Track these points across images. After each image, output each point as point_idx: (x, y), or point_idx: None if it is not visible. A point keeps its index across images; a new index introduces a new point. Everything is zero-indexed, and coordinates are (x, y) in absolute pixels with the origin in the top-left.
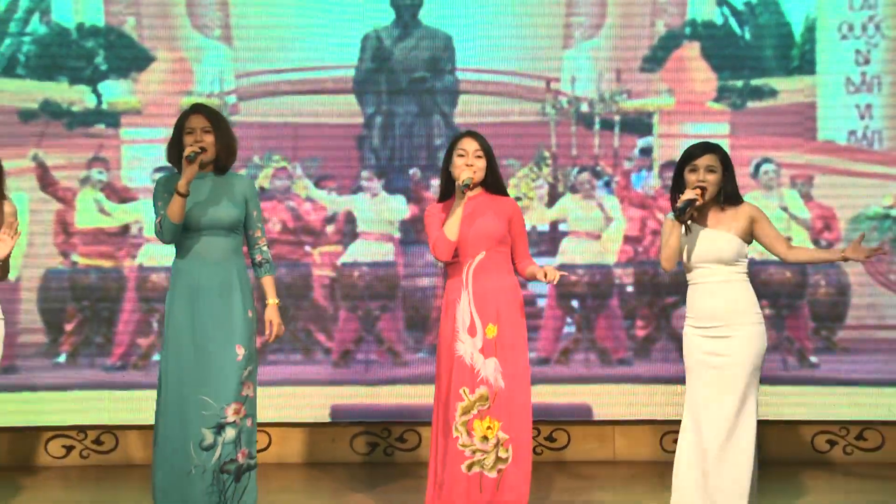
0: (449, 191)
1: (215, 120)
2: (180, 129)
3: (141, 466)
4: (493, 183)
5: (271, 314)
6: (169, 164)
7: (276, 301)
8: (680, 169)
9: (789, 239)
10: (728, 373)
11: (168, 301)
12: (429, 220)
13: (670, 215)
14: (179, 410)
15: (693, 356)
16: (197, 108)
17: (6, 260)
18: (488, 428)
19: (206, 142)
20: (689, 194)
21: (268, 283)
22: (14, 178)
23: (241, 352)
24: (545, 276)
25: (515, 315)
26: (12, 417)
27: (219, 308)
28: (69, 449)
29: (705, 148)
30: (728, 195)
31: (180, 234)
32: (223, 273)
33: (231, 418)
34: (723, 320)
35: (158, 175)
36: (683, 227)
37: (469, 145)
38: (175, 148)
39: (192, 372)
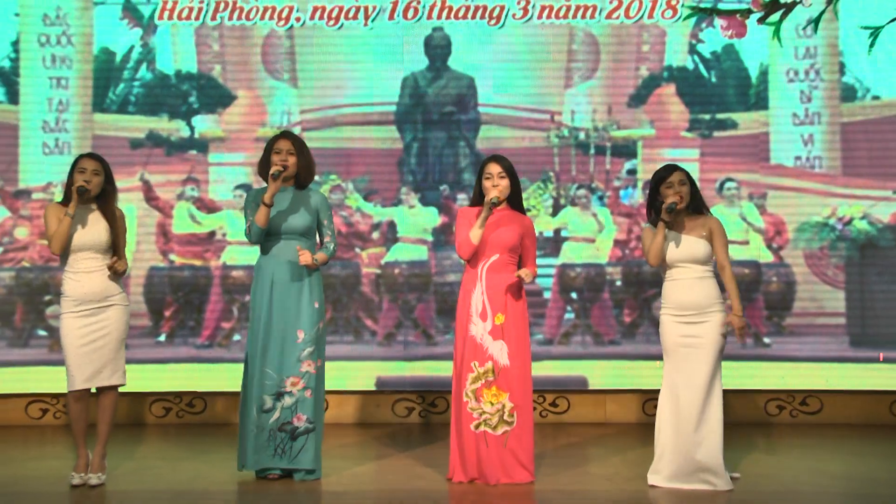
0: (477, 200)
1: (298, 145)
2: (269, 150)
3: (224, 425)
4: (516, 201)
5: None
6: (247, 182)
7: (317, 257)
8: (655, 187)
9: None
10: (701, 351)
11: (251, 292)
12: (460, 220)
13: (646, 225)
14: (252, 380)
15: (670, 339)
16: (284, 134)
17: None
18: (494, 395)
19: (290, 162)
20: (672, 198)
21: (321, 254)
22: (125, 194)
23: (301, 335)
24: (522, 274)
25: (520, 307)
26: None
27: (288, 299)
28: (168, 410)
29: (673, 168)
30: (696, 204)
31: (264, 237)
32: (295, 270)
33: (289, 388)
34: (697, 309)
35: (239, 190)
36: (666, 225)
37: (493, 168)
38: (264, 164)
39: (262, 349)
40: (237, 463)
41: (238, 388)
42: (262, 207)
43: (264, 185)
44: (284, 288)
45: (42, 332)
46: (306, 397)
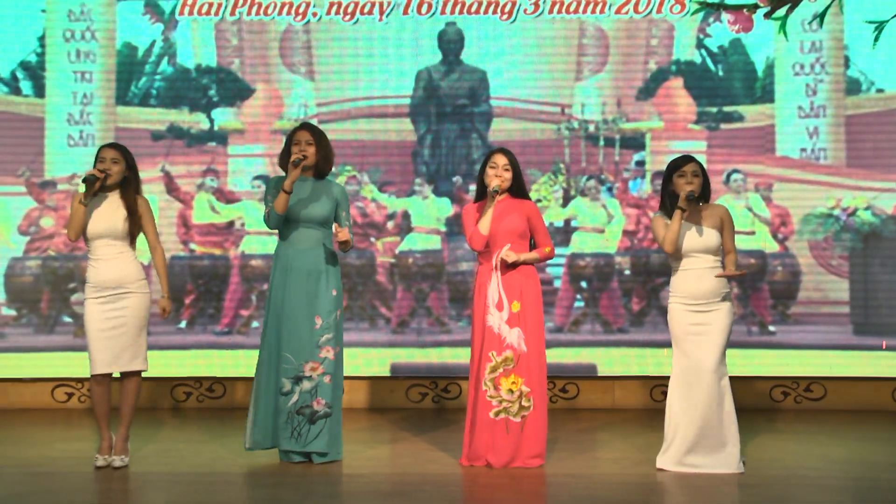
0: (481, 194)
1: (317, 135)
2: (289, 141)
3: (243, 409)
4: (518, 190)
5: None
6: (265, 174)
7: (346, 235)
8: (668, 176)
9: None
10: (710, 338)
11: (270, 277)
12: (465, 216)
13: (657, 214)
14: (270, 363)
15: (680, 327)
16: (304, 126)
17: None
18: (513, 383)
19: (308, 152)
20: (690, 187)
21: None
22: (147, 185)
23: (318, 322)
24: (502, 254)
25: (535, 293)
26: (146, 370)
27: (306, 285)
28: (189, 395)
29: (688, 158)
30: (706, 194)
31: (282, 224)
32: (312, 258)
33: (308, 373)
34: (707, 298)
35: (257, 181)
36: (683, 213)
37: (500, 160)
38: (284, 156)
39: (280, 334)
40: (244, 443)
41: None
42: (281, 194)
43: (283, 173)
44: (302, 275)
45: (67, 319)
46: (325, 382)
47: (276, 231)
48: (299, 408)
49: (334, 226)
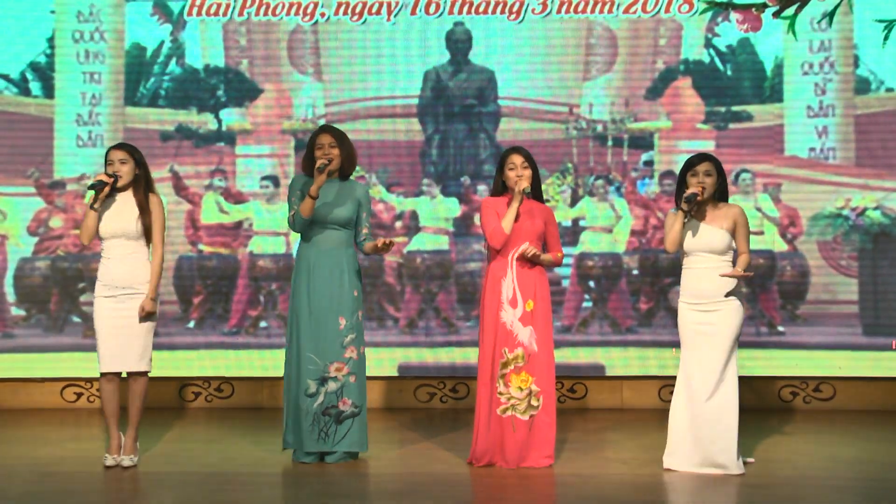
0: (499, 191)
1: (339, 137)
2: (312, 145)
3: (250, 409)
4: (535, 191)
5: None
6: (273, 174)
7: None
8: (683, 175)
9: (745, 252)
10: (714, 339)
11: (293, 279)
12: (486, 211)
13: (673, 210)
14: (296, 365)
15: (686, 327)
16: (325, 129)
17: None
18: (523, 381)
19: (333, 154)
20: (693, 189)
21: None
22: (156, 185)
23: (343, 322)
24: (523, 248)
25: (547, 294)
26: (155, 371)
27: (329, 286)
28: (197, 395)
29: (702, 157)
30: (721, 194)
31: (307, 227)
32: (335, 259)
33: (333, 374)
34: (710, 298)
35: (265, 181)
36: (685, 214)
37: (517, 159)
38: (308, 159)
39: (305, 335)
40: (282, 443)
41: (264, 374)
42: (307, 199)
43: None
44: (324, 276)
45: (76, 319)
46: (351, 382)
47: (288, 231)
48: (325, 409)
49: (378, 240)
